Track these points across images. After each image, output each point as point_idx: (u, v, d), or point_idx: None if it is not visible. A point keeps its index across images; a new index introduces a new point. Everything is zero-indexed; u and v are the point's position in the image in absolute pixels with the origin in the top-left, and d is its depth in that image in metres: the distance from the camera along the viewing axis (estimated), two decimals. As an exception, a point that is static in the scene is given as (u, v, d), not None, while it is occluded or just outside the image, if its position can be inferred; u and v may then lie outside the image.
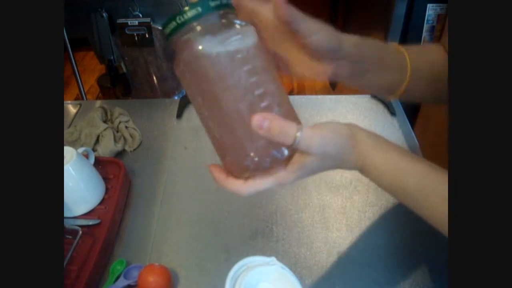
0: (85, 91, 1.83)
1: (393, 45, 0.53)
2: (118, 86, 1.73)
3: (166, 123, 0.97)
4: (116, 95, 1.79)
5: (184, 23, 0.37)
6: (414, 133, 0.91)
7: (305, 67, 0.46)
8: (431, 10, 1.46)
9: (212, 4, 0.37)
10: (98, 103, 1.02)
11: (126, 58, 1.60)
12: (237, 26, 0.38)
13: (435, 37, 1.51)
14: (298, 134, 0.39)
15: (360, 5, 2.09)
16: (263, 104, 0.38)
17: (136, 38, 1.49)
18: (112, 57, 1.60)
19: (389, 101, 0.56)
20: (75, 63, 1.66)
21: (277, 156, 0.40)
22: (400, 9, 1.47)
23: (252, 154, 0.39)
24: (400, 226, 0.71)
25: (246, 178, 0.42)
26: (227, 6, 0.38)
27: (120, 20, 1.46)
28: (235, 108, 0.38)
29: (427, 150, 0.88)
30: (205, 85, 0.38)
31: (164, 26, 0.37)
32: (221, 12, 0.38)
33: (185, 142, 0.91)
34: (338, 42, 0.45)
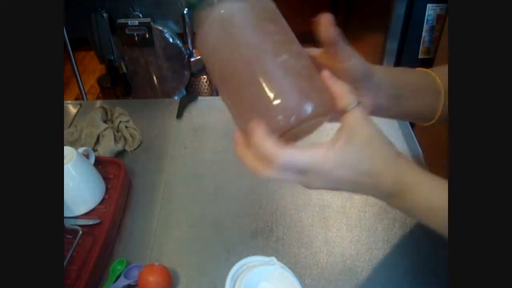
0: (85, 91, 1.83)
1: (420, 70, 0.52)
2: (118, 86, 1.73)
3: (166, 123, 0.97)
4: (116, 95, 1.79)
5: None
6: (414, 133, 0.91)
7: None
8: (431, 10, 1.46)
9: None
10: (98, 103, 1.02)
11: (126, 58, 1.60)
12: None
13: (435, 37, 1.52)
14: (354, 101, 0.38)
15: (360, 5, 2.09)
16: (291, 62, 0.38)
17: (136, 38, 1.49)
18: (112, 57, 1.60)
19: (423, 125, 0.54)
20: (75, 63, 1.66)
21: (305, 112, 0.37)
22: (400, 9, 1.47)
23: (280, 116, 0.36)
24: (400, 226, 0.71)
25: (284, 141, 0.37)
26: None
27: (120, 20, 1.46)
28: (263, 65, 0.37)
29: (427, 151, 0.88)
30: (231, 47, 0.38)
31: (189, 4, 0.39)
32: None
33: (185, 142, 0.91)
34: (371, 69, 0.45)
